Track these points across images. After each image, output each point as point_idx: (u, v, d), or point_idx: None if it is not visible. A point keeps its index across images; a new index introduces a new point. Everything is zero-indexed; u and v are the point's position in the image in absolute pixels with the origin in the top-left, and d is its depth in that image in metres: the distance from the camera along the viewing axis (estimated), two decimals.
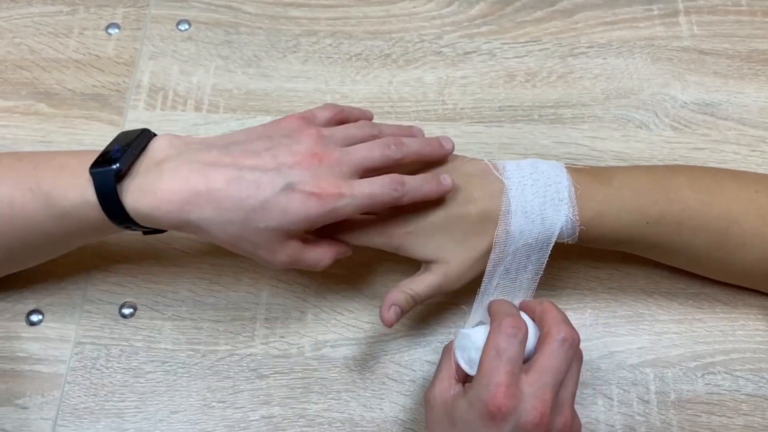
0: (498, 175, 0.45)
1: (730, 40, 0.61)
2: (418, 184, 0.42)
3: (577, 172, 0.45)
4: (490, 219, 0.43)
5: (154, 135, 0.42)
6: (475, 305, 0.44)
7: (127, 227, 0.40)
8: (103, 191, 0.39)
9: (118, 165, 0.38)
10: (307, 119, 0.44)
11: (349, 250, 0.45)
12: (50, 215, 0.40)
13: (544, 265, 0.45)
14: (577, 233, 0.44)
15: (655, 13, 0.63)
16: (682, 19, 0.62)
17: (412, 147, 0.43)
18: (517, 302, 0.45)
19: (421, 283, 0.44)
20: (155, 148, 0.41)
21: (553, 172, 0.45)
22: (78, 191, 0.39)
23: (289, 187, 0.39)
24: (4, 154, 0.44)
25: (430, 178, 0.43)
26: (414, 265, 0.45)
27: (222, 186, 0.38)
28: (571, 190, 0.44)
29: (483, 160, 0.46)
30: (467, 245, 0.43)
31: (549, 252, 0.44)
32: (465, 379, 0.41)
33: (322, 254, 0.42)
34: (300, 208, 0.39)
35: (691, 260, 0.48)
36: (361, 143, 0.43)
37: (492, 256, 0.43)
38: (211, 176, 0.38)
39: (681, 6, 0.63)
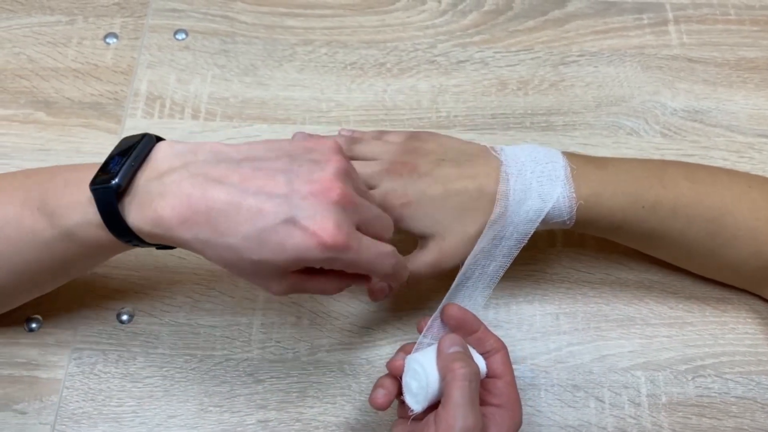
0: (496, 154, 0.46)
1: (718, 49, 0.62)
2: (402, 269, 0.41)
3: (572, 156, 0.47)
4: (487, 195, 0.44)
5: (157, 140, 0.39)
6: (460, 275, 0.44)
7: (135, 245, 0.38)
8: (104, 209, 0.36)
9: (116, 181, 0.36)
10: (339, 147, 0.39)
11: (364, 283, 0.42)
12: (57, 236, 0.39)
13: (528, 237, 0.45)
14: (575, 211, 0.45)
15: (645, 22, 0.64)
16: (671, 27, 0.63)
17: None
18: (493, 266, 0.45)
19: (415, 261, 0.44)
20: (158, 157, 0.38)
21: (549, 154, 0.46)
22: (81, 210, 0.38)
23: (292, 220, 0.35)
24: (16, 173, 0.43)
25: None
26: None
27: (221, 207, 0.35)
28: (567, 170, 0.45)
29: (481, 143, 0.47)
30: (464, 221, 0.44)
31: (536, 225, 0.45)
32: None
33: (327, 284, 0.40)
34: (298, 245, 0.35)
35: (685, 251, 0.48)
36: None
37: (490, 219, 0.44)
38: (212, 194, 0.35)
39: (670, 15, 0.64)
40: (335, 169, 0.37)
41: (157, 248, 0.40)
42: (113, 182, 0.36)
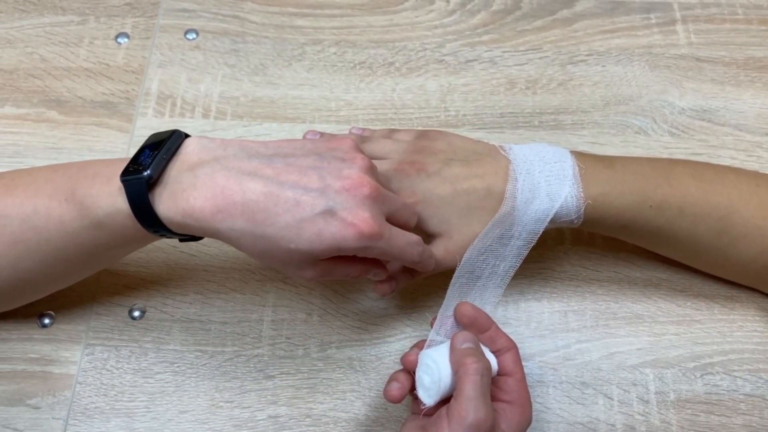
0: (505, 154, 0.46)
1: (726, 48, 0.62)
2: (428, 258, 0.43)
3: (581, 155, 0.47)
4: (495, 194, 0.45)
5: (186, 135, 0.40)
6: (462, 264, 0.45)
7: (162, 235, 0.39)
8: (135, 199, 0.37)
9: (148, 172, 0.37)
10: (357, 145, 0.42)
11: (382, 274, 0.44)
12: (85, 225, 0.39)
13: (537, 237, 0.45)
14: (583, 210, 0.45)
15: (653, 21, 0.64)
16: (679, 27, 0.64)
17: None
18: (503, 266, 0.45)
19: None
20: (188, 151, 0.39)
21: (557, 153, 0.46)
22: (110, 200, 0.38)
23: (330, 212, 0.37)
24: (42, 168, 0.44)
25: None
26: None
27: (258, 198, 0.36)
28: (576, 169, 0.45)
29: (490, 142, 0.48)
30: (471, 220, 0.45)
31: (545, 225, 0.45)
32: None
33: (351, 269, 0.42)
34: (335, 234, 0.37)
35: (693, 250, 0.49)
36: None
37: (495, 217, 0.44)
38: (248, 186, 0.36)
39: (678, 15, 0.64)
40: (362, 166, 0.39)
41: (181, 240, 0.41)
42: (145, 173, 0.37)
